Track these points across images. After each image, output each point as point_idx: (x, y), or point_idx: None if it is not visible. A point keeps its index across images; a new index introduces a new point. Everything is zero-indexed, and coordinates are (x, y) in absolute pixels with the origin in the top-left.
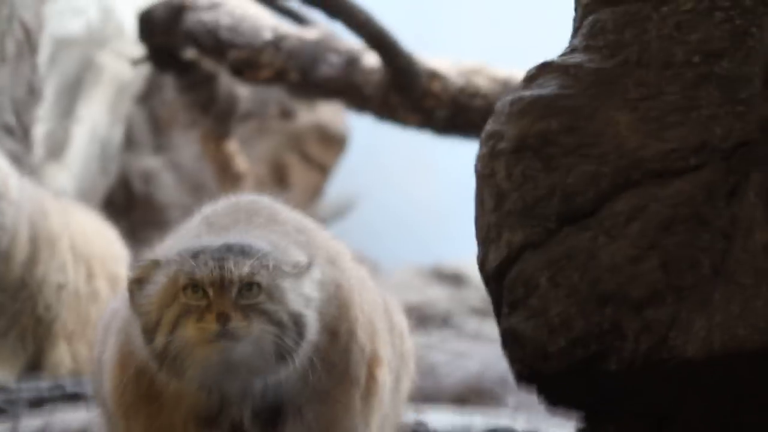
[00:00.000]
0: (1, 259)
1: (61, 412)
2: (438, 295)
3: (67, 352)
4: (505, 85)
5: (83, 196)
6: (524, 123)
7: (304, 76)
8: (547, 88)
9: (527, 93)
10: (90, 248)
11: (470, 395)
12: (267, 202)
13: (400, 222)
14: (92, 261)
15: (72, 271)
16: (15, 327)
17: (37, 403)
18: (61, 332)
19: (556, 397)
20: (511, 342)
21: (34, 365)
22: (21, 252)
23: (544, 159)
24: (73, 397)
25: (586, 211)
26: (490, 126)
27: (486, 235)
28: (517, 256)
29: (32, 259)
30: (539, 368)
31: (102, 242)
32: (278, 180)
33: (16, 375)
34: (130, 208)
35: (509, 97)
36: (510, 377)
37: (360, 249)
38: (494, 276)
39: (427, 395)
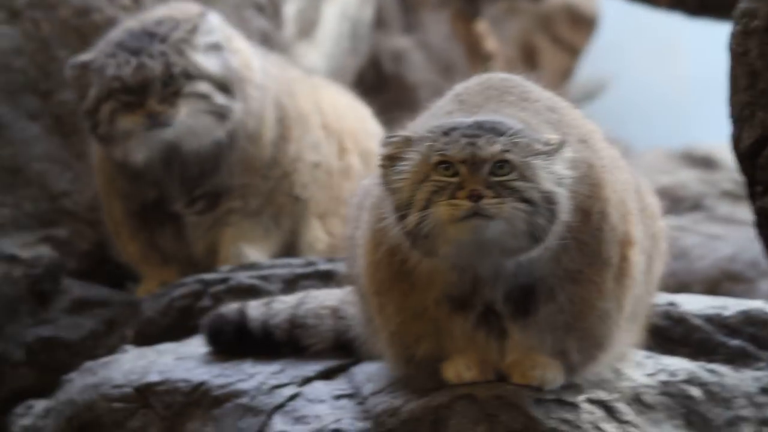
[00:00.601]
0: (250, 140)
1: (314, 289)
2: (689, 178)
3: (321, 230)
4: None
5: (333, 75)
6: None
7: None
8: None
9: None
10: (342, 124)
11: (722, 278)
12: (519, 80)
13: (651, 104)
14: (344, 136)
15: (325, 148)
16: (268, 206)
17: (291, 281)
18: (315, 210)
19: None
20: (764, 222)
21: (289, 246)
22: (270, 132)
23: None
24: (326, 275)
25: None
26: (743, 3)
27: (739, 114)
28: None
29: (283, 138)
30: None
31: (354, 118)
32: (528, 61)
33: (271, 254)
34: (380, 88)
35: None
36: (763, 261)
37: (610, 131)
38: (747, 155)
39: (678, 278)
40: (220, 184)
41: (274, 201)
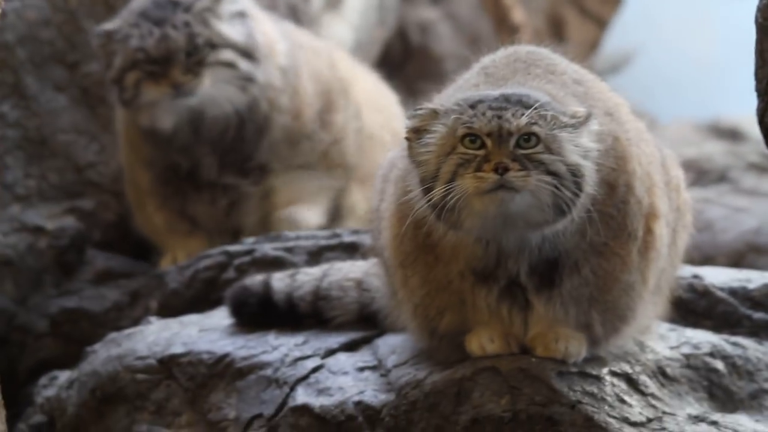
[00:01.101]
0: (289, 115)
1: (338, 261)
2: (715, 150)
3: (362, 194)
4: None
5: (360, 47)
6: None
7: None
8: None
9: None
10: (378, 100)
11: (747, 251)
12: (545, 53)
13: (677, 77)
14: (383, 111)
15: (365, 113)
16: (321, 163)
17: (315, 253)
18: (357, 175)
19: None
20: None
21: (333, 211)
22: (309, 108)
23: None
24: (351, 247)
25: None
26: None
27: (766, 88)
28: None
29: (328, 110)
30: None
31: (386, 96)
32: (555, 33)
33: (324, 212)
34: (407, 59)
35: None
36: None
37: (636, 103)
38: None
39: (703, 250)
40: (265, 160)
41: (325, 161)
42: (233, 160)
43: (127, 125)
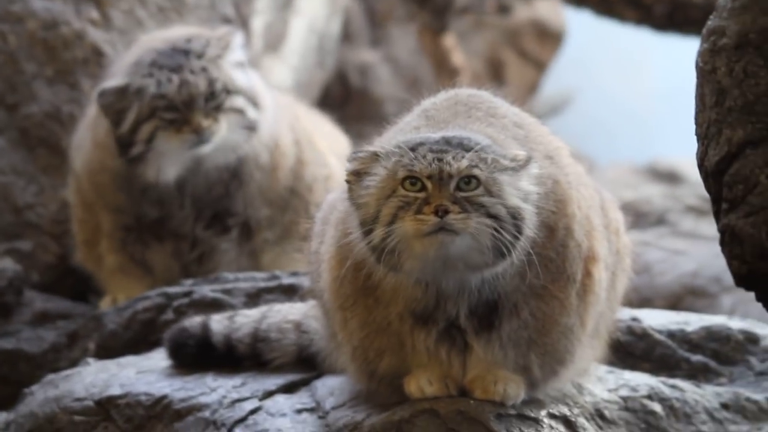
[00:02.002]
0: (264, 172)
1: (277, 303)
2: (653, 193)
3: None
4: None
5: (300, 88)
6: (746, 19)
7: None
8: None
9: None
10: (337, 146)
11: (685, 293)
12: (486, 96)
13: (616, 119)
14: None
15: (331, 160)
16: (288, 238)
17: (254, 295)
18: None
19: None
20: (729, 239)
21: None
22: (288, 160)
23: (766, 55)
24: (289, 289)
25: None
26: (711, 22)
27: (706, 132)
28: (738, 153)
29: (300, 162)
30: (757, 266)
31: (341, 141)
32: (494, 75)
33: None
34: (347, 101)
35: None
36: (725, 277)
37: (576, 146)
38: (713, 173)
39: (641, 293)
40: (244, 213)
41: (293, 231)
42: (209, 214)
43: (97, 171)
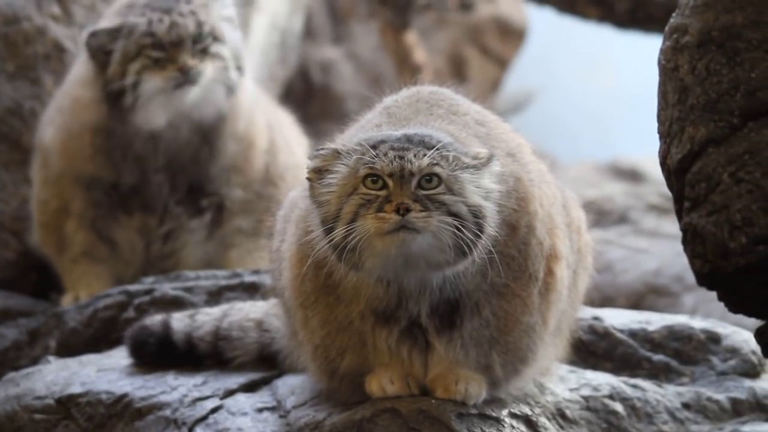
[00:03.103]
0: (241, 143)
1: (238, 301)
2: (616, 191)
3: None
4: None
5: (262, 85)
6: (709, 16)
7: None
8: None
9: None
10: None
11: (647, 292)
12: (448, 93)
13: (578, 117)
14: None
15: (299, 148)
16: (259, 235)
17: (216, 293)
18: None
19: (736, 298)
20: (691, 238)
21: None
22: (263, 140)
23: (729, 53)
24: (251, 287)
25: None
26: (674, 19)
27: (668, 130)
28: (700, 152)
29: (273, 145)
30: (719, 265)
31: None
32: (456, 73)
33: None
34: (308, 98)
35: None
36: (687, 275)
37: (538, 143)
38: (676, 171)
39: (603, 291)
40: (219, 193)
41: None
42: (184, 184)
43: (74, 135)
